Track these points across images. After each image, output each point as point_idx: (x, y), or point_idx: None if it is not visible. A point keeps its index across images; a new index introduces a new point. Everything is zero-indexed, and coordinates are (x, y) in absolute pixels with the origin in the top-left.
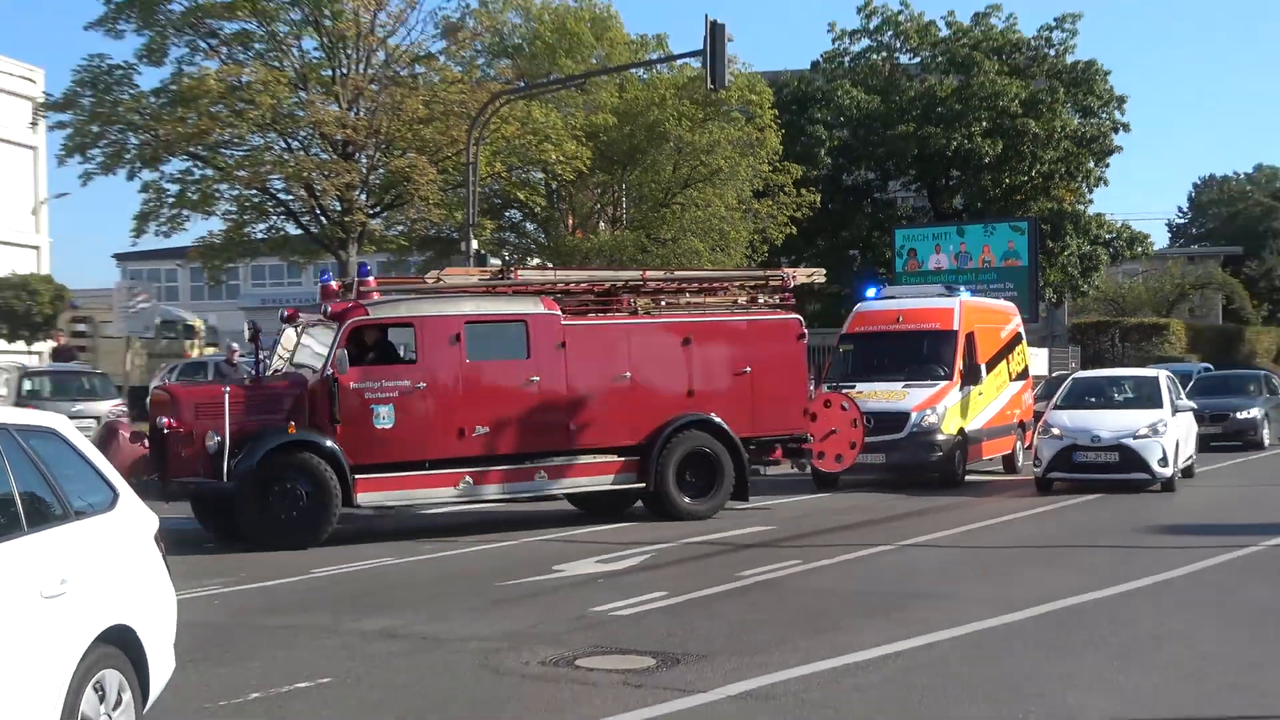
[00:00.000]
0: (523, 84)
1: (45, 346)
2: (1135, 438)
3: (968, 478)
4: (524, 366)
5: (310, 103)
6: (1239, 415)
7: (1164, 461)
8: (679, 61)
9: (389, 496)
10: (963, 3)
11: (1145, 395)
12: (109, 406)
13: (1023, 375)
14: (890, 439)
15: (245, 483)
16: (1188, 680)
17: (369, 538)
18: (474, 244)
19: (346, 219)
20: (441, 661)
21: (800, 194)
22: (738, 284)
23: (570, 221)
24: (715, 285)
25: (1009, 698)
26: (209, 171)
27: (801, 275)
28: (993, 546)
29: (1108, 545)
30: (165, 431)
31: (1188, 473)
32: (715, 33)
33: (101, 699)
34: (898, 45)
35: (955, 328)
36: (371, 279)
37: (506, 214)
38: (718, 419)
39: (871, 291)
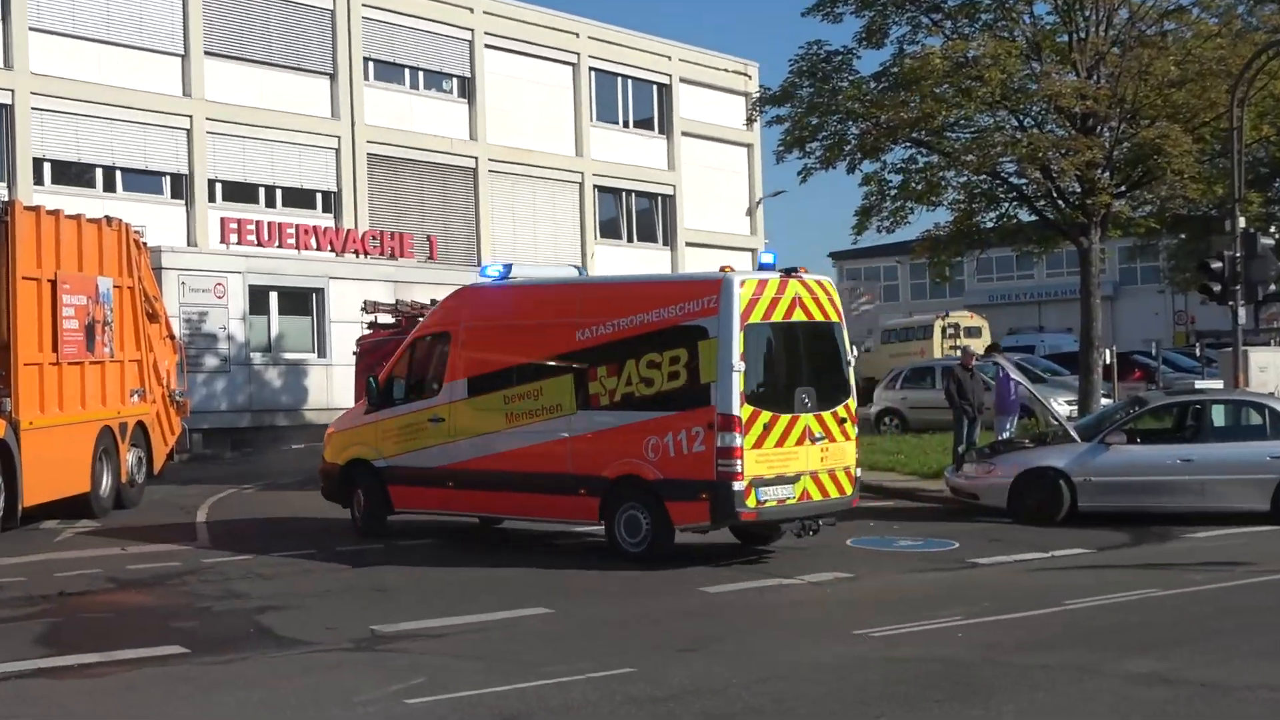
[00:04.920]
0: None
1: None
2: None
3: None
4: None
5: (1044, 74)
6: None
7: None
8: None
9: None
10: None
11: None
12: None
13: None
14: None
15: None
16: None
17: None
18: (1240, 221)
19: (1088, 201)
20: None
21: None
22: None
23: None
24: None
25: None
26: (934, 159)
27: None
28: None
29: None
30: None
31: None
32: None
33: None
34: None
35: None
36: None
37: (1277, 183)
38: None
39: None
